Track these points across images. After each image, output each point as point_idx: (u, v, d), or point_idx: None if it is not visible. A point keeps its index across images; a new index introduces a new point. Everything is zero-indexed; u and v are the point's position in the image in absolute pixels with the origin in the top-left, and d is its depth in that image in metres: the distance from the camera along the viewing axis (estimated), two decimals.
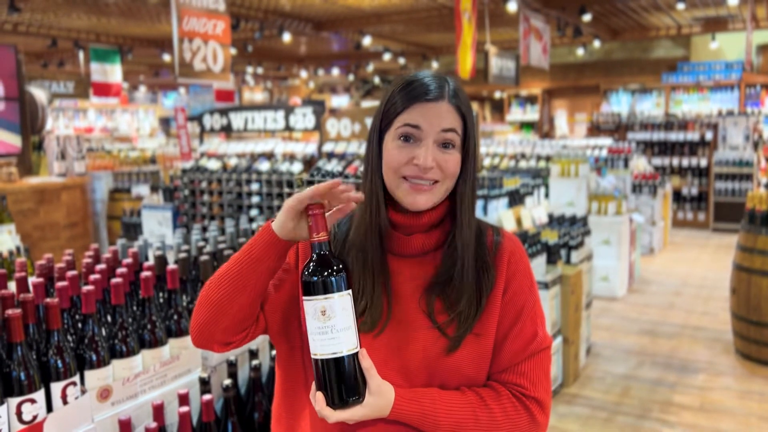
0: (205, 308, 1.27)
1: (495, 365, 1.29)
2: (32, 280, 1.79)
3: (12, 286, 2.11)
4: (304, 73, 18.08)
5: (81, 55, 12.56)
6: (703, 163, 11.01)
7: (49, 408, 1.57)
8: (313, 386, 1.18)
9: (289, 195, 6.84)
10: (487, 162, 9.42)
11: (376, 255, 1.28)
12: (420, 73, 1.29)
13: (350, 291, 1.17)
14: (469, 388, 1.26)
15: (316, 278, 1.15)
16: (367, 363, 1.16)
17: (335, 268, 1.16)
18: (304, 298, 1.16)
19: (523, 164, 9.08)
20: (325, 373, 1.15)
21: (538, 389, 1.28)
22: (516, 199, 5.30)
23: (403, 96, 1.25)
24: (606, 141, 10.17)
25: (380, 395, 1.17)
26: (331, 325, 1.14)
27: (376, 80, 18.89)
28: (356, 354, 1.16)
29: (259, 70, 17.26)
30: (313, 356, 1.17)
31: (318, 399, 1.16)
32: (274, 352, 1.96)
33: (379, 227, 1.28)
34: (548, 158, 9.10)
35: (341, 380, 1.15)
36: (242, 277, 1.23)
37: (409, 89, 1.26)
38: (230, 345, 1.31)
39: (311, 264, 1.17)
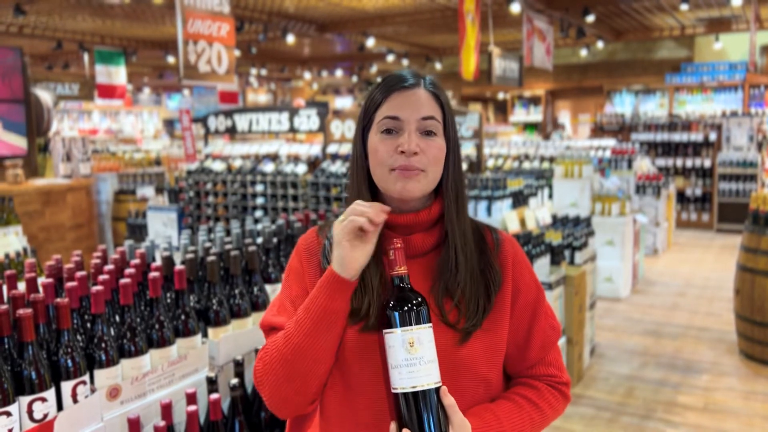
0: (288, 383, 1.23)
1: (523, 363, 1.36)
2: (42, 280, 1.81)
3: (22, 287, 2.14)
4: (307, 75, 18.10)
5: (86, 57, 12.61)
6: (707, 163, 11.00)
7: (60, 406, 1.59)
8: (393, 425, 1.17)
9: (294, 197, 6.86)
10: (490, 163, 9.43)
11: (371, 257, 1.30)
12: (397, 70, 1.34)
13: (431, 324, 1.18)
14: (516, 395, 1.32)
15: (404, 310, 1.16)
16: (449, 401, 1.16)
17: (420, 300, 1.18)
18: (390, 330, 1.17)
19: (526, 165, 9.09)
20: (411, 407, 1.14)
21: (564, 373, 1.39)
22: (520, 200, 5.31)
23: (381, 89, 1.29)
24: (609, 142, 10.17)
25: (463, 430, 1.17)
26: (420, 356, 1.14)
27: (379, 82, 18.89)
28: (440, 389, 1.16)
29: (263, 72, 17.29)
30: (395, 390, 1.16)
31: None
32: None
33: None
34: (552, 159, 9.11)
35: (429, 414, 1.14)
36: (321, 343, 1.21)
37: (386, 81, 1.30)
38: (316, 401, 1.31)
39: (394, 298, 1.18)
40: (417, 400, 1.14)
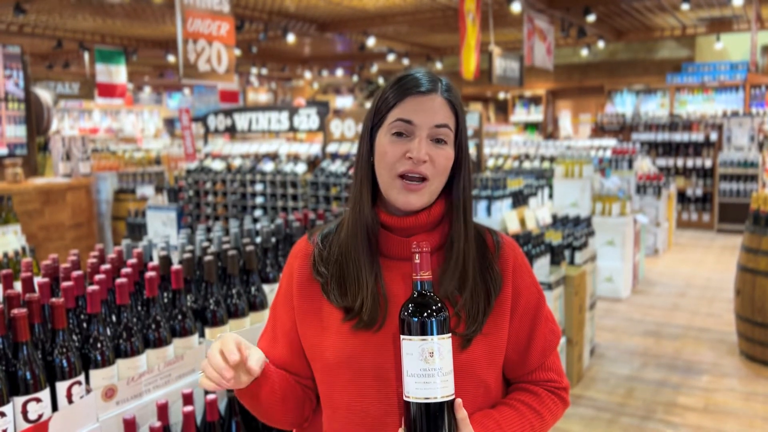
0: (264, 419, 1.35)
1: (523, 368, 1.35)
2: (38, 280, 1.80)
3: (18, 286, 2.12)
4: (308, 74, 18.10)
5: (86, 56, 12.60)
6: (708, 163, 10.99)
7: (55, 407, 1.58)
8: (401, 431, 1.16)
9: (293, 196, 6.85)
10: (491, 163, 9.42)
11: (365, 254, 1.28)
12: (412, 70, 1.29)
13: (451, 335, 1.15)
14: (516, 401, 1.31)
15: (426, 317, 1.11)
16: (462, 414, 1.15)
17: (443, 308, 1.14)
18: (408, 336, 1.13)
19: (527, 165, 9.08)
20: (421, 418, 1.11)
21: (563, 377, 1.39)
22: (520, 199, 5.30)
23: (396, 90, 1.26)
24: (610, 142, 10.16)
25: None
26: (438, 368, 1.11)
27: (380, 81, 18.90)
28: (453, 402, 1.14)
29: (264, 71, 17.28)
30: (407, 398, 1.13)
31: None
32: None
33: (366, 227, 1.28)
34: (552, 159, 9.10)
35: (439, 427, 1.11)
36: (263, 405, 1.30)
37: (401, 83, 1.26)
38: (306, 420, 1.39)
39: (414, 303, 1.14)
40: (429, 412, 1.11)
